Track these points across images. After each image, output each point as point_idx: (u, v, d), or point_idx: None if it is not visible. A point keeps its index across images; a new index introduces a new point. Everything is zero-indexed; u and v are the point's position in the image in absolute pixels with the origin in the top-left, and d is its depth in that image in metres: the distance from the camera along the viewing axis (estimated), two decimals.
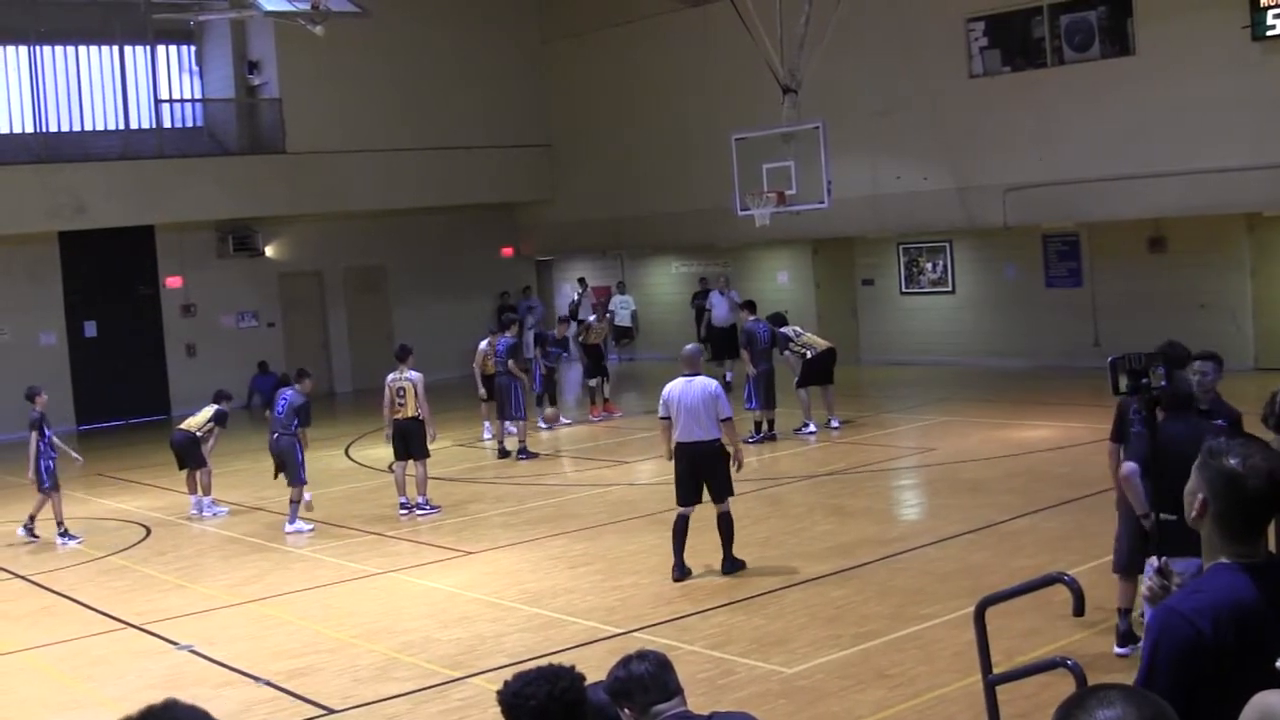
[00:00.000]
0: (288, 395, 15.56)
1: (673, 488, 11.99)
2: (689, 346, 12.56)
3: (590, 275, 32.31)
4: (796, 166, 21.04)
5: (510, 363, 19.23)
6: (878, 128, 24.11)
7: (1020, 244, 24.47)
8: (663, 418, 11.99)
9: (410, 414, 15.60)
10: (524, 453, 19.14)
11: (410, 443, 15.66)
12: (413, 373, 15.70)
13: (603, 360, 23.19)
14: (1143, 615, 8.57)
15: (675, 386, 11.83)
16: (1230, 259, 22.08)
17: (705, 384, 11.78)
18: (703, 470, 11.81)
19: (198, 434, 16.67)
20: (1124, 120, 21.15)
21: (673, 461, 11.98)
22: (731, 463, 11.97)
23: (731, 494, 11.98)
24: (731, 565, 11.91)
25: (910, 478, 16.71)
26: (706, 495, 11.85)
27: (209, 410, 16.90)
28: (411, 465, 15.74)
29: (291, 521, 15.13)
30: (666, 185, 27.97)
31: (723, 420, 11.73)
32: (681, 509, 11.84)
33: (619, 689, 4.83)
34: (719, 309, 26.16)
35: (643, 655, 4.91)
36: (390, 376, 15.82)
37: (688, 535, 11.82)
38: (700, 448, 11.74)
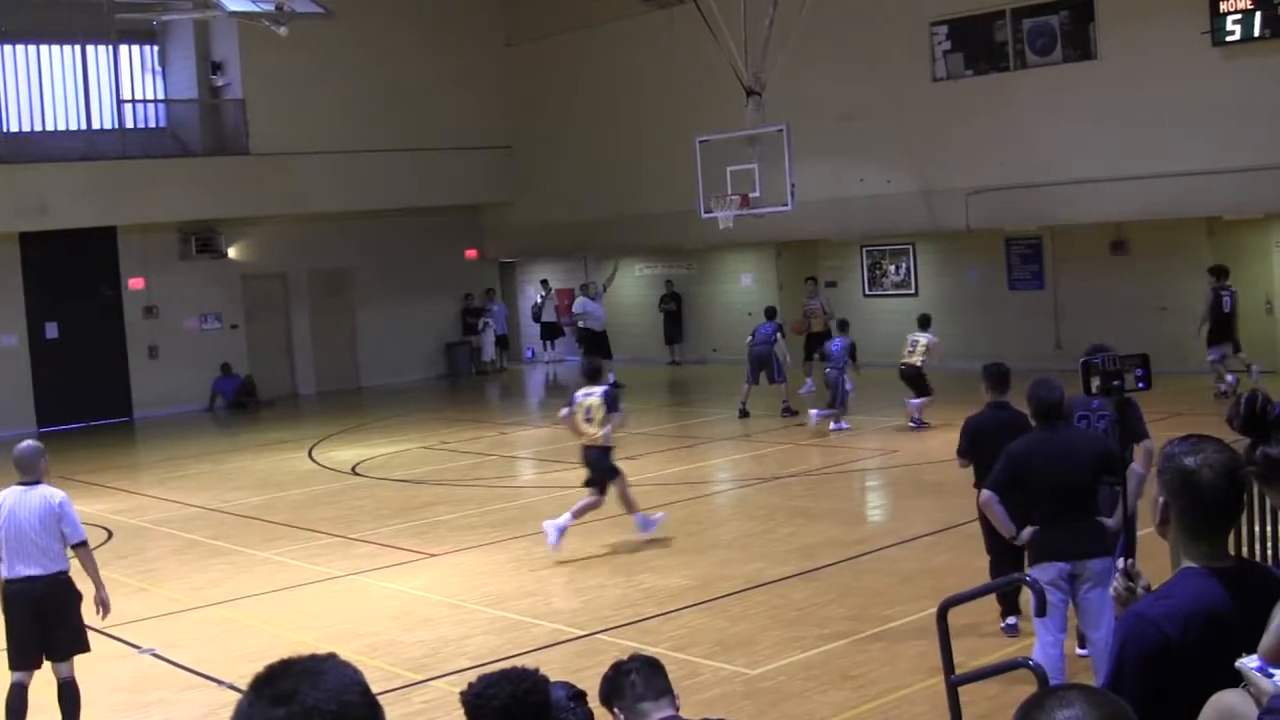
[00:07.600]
0: None
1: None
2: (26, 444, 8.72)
3: (554, 278, 32.26)
4: (760, 169, 21.05)
5: None
6: (841, 131, 24.17)
7: (983, 247, 24.59)
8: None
9: None
10: None
11: None
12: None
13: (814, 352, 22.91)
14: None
15: None
16: (1191, 263, 22.20)
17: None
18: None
19: (603, 444, 13.27)
20: (1086, 124, 21.29)
21: None
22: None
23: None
24: None
25: (873, 480, 16.78)
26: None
27: (596, 397, 13.15)
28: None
29: None
30: (630, 188, 27.95)
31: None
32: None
33: (609, 689, 4.96)
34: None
35: (634, 657, 5.12)
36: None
37: None
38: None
